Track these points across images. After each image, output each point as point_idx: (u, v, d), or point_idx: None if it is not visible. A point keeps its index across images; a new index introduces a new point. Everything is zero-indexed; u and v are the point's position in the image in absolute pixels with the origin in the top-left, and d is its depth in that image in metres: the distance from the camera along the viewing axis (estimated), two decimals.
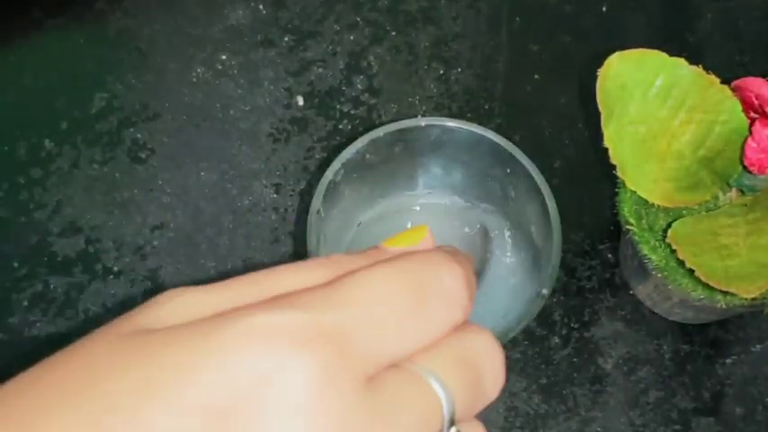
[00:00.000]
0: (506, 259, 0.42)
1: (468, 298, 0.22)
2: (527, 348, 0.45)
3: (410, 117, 0.40)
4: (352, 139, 0.40)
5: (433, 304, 0.21)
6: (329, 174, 0.38)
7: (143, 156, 0.49)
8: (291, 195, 0.49)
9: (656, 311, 0.45)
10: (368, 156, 0.40)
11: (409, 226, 0.43)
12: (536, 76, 0.52)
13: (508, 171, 0.40)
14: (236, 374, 0.19)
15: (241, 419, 0.18)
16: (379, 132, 0.39)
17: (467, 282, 0.22)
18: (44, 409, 0.19)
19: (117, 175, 0.49)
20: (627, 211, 0.40)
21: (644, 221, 0.41)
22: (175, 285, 0.21)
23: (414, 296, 0.21)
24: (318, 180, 0.39)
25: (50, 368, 0.20)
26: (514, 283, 0.41)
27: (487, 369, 0.22)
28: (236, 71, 0.52)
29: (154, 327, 0.20)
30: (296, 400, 0.18)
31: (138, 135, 0.50)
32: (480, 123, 0.40)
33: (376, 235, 0.42)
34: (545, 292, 0.36)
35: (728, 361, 0.45)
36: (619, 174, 0.39)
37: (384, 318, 0.20)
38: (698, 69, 0.39)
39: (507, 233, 0.42)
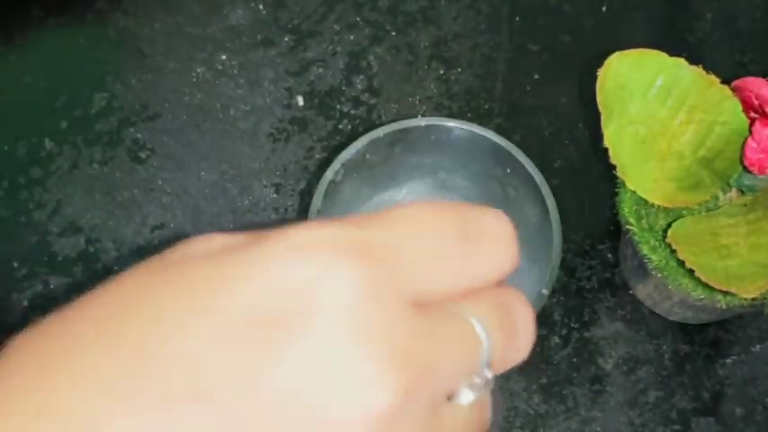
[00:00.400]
0: None
1: (516, 247, 0.22)
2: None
3: (410, 117, 0.40)
4: (352, 139, 0.40)
5: (480, 245, 0.21)
6: (329, 174, 0.38)
7: (143, 156, 0.49)
8: (291, 195, 0.49)
9: (656, 311, 0.45)
10: (368, 156, 0.40)
11: None
12: (536, 76, 0.52)
13: (508, 171, 0.40)
14: (278, 283, 0.18)
15: (284, 328, 0.18)
16: (378, 132, 0.39)
17: (513, 231, 0.22)
18: (82, 337, 0.18)
19: (117, 174, 0.49)
20: (627, 211, 0.40)
21: (644, 221, 0.41)
22: None
23: (461, 233, 0.21)
24: (318, 180, 0.39)
25: (92, 302, 0.20)
26: (513, 284, 0.41)
27: (522, 325, 0.22)
28: (236, 71, 0.52)
29: (190, 256, 0.20)
30: (340, 308, 0.18)
31: (139, 135, 0.50)
32: (480, 123, 0.40)
33: None
34: (545, 291, 0.36)
35: (728, 361, 0.45)
36: (619, 174, 0.39)
37: (432, 248, 0.20)
38: (698, 69, 0.39)
39: None
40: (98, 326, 0.19)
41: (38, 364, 0.18)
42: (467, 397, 0.21)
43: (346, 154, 0.39)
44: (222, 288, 0.18)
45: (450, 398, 0.21)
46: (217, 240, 0.21)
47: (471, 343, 0.20)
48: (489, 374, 0.21)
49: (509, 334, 0.22)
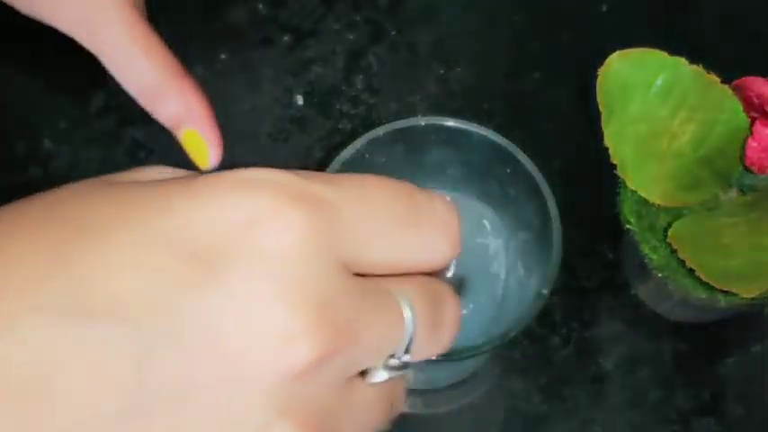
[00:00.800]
0: (501, 260, 0.42)
1: (458, 238, 0.22)
2: (527, 348, 0.45)
3: (410, 116, 0.40)
4: (351, 138, 0.40)
5: (424, 227, 0.21)
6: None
7: (142, 155, 0.49)
8: None
9: (656, 311, 0.45)
10: (367, 155, 0.40)
11: None
12: (536, 76, 0.52)
13: (508, 171, 0.40)
14: (216, 216, 0.18)
15: (213, 262, 0.17)
16: (378, 132, 0.39)
17: (458, 222, 0.22)
18: (10, 236, 0.18)
19: None
20: (627, 210, 0.40)
21: (644, 221, 0.41)
22: None
23: (407, 210, 0.21)
24: None
25: (25, 203, 0.19)
26: (513, 284, 0.41)
27: (448, 319, 0.22)
28: (235, 70, 0.52)
29: (137, 180, 0.20)
30: (275, 252, 0.17)
31: (138, 135, 0.50)
32: (480, 123, 0.40)
33: None
34: (545, 291, 0.36)
35: (728, 361, 0.45)
36: (619, 173, 0.39)
37: (376, 216, 0.20)
38: (698, 69, 0.39)
39: (504, 236, 0.42)
40: (24, 227, 0.18)
41: None
42: (380, 377, 0.20)
43: (346, 153, 0.39)
44: (157, 212, 0.18)
45: (363, 375, 0.20)
46: (168, 171, 0.21)
47: (396, 322, 0.20)
48: (407, 358, 0.21)
49: (434, 324, 0.21)
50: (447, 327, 0.22)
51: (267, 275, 0.17)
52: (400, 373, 0.21)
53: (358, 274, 0.20)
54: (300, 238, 0.18)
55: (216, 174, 0.19)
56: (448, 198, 0.22)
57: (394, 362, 0.20)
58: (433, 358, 0.34)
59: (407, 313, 0.20)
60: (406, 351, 0.20)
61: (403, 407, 0.23)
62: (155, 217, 0.18)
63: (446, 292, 0.22)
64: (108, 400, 0.17)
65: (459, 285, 0.40)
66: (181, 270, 0.17)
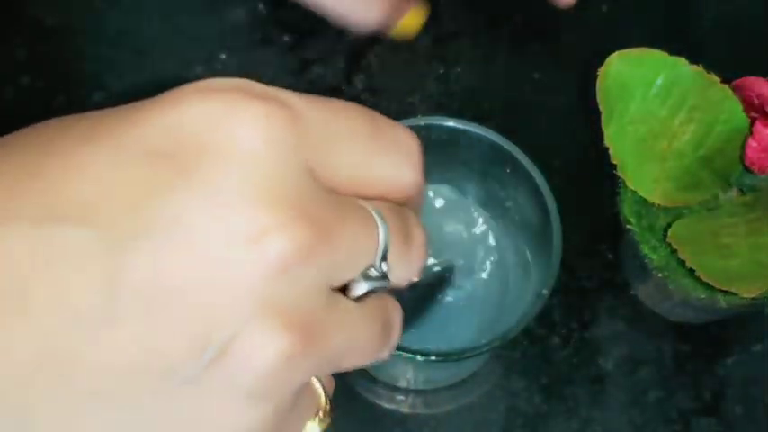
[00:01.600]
0: (501, 261, 0.42)
1: (420, 163, 0.22)
2: (527, 348, 0.45)
3: (410, 116, 0.40)
4: None
5: (387, 146, 0.21)
6: None
7: None
8: None
9: (656, 311, 0.45)
10: None
11: None
12: (536, 76, 0.52)
13: (508, 171, 0.40)
14: (180, 119, 0.18)
15: (182, 163, 0.17)
16: None
17: (420, 149, 0.22)
18: None
19: None
20: (627, 210, 0.40)
21: (644, 221, 0.41)
22: None
23: (371, 130, 0.21)
24: None
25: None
26: (513, 284, 0.41)
27: (417, 236, 0.22)
28: (235, 70, 0.52)
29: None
30: (243, 149, 0.17)
31: None
32: (480, 123, 0.40)
33: None
34: (545, 292, 0.36)
35: (728, 361, 0.45)
36: (619, 173, 0.39)
37: (341, 128, 0.20)
38: (698, 69, 0.39)
39: (504, 236, 0.42)
40: None
41: None
42: (361, 288, 0.20)
43: None
44: (124, 124, 0.18)
45: (344, 290, 0.20)
46: None
47: (369, 228, 0.20)
48: (385, 267, 0.20)
49: (405, 237, 0.21)
50: (417, 244, 0.22)
51: (237, 173, 0.17)
52: (381, 283, 0.20)
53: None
54: (266, 135, 0.18)
55: (178, 87, 0.19)
56: (407, 128, 0.22)
57: (373, 272, 0.20)
58: (433, 358, 0.34)
59: (378, 220, 0.20)
60: (383, 259, 0.20)
61: (397, 334, 0.22)
62: (121, 127, 0.18)
63: (410, 215, 0.22)
64: (82, 300, 0.16)
65: (448, 274, 0.40)
66: (150, 172, 0.17)
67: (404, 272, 0.21)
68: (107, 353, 0.17)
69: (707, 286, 0.37)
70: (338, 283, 0.20)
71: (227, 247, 0.17)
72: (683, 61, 0.39)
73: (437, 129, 0.40)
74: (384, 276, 0.20)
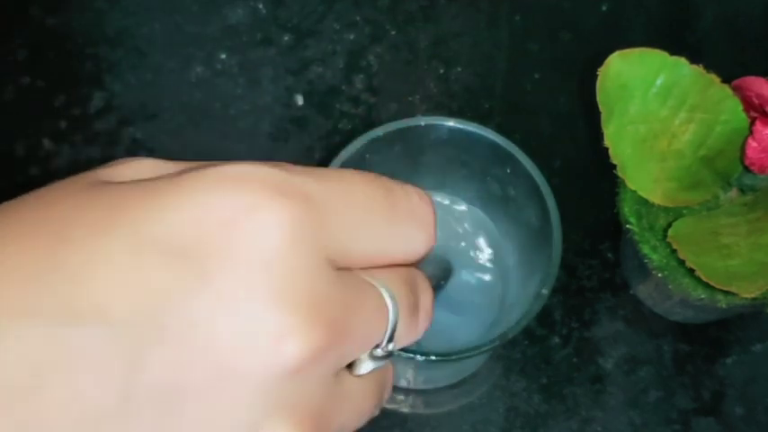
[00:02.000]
0: (501, 261, 0.42)
1: (434, 229, 0.22)
2: (527, 348, 0.45)
3: (410, 116, 0.40)
4: (351, 138, 0.40)
5: (403, 219, 0.21)
6: None
7: (142, 155, 0.49)
8: None
9: (656, 311, 0.45)
10: (367, 155, 0.40)
11: None
12: (536, 76, 0.52)
13: (508, 171, 0.40)
14: (201, 214, 0.18)
15: (199, 262, 0.17)
16: (378, 132, 0.39)
17: (434, 214, 0.22)
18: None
19: None
20: (627, 210, 0.40)
21: (644, 221, 0.40)
22: None
23: (387, 204, 0.21)
24: None
25: (11, 207, 0.19)
26: (513, 285, 0.41)
27: (423, 306, 0.22)
28: (235, 70, 0.52)
29: (116, 181, 0.20)
30: (263, 249, 0.17)
31: (138, 134, 0.50)
32: (480, 123, 0.40)
33: None
34: (545, 291, 0.36)
35: (728, 361, 0.45)
36: (619, 173, 0.39)
37: (359, 210, 0.20)
38: (698, 69, 0.39)
39: (504, 236, 0.42)
40: (9, 232, 0.18)
41: None
42: (366, 367, 0.21)
43: (345, 153, 0.39)
44: (141, 214, 0.18)
45: (349, 368, 0.21)
46: (146, 165, 0.20)
47: (380, 312, 0.20)
48: (391, 347, 0.21)
49: (412, 312, 0.22)
50: (424, 311, 0.23)
51: (254, 274, 0.17)
52: (385, 362, 0.21)
53: (340, 269, 0.20)
54: (284, 235, 0.18)
55: (197, 171, 0.19)
56: (423, 192, 0.23)
57: (378, 351, 0.21)
58: (433, 358, 0.34)
59: (389, 302, 0.20)
60: (390, 339, 0.21)
61: (390, 389, 0.23)
62: (139, 220, 0.18)
63: (420, 279, 0.23)
64: (98, 400, 0.17)
65: (447, 270, 0.40)
66: (167, 271, 0.17)
67: (409, 339, 0.22)
68: None
69: (707, 286, 0.37)
70: (344, 365, 0.20)
71: (245, 351, 0.17)
72: (683, 61, 0.39)
73: (437, 128, 0.40)
74: (389, 354, 0.21)
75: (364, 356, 0.20)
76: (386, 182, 0.21)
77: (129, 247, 0.17)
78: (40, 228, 0.18)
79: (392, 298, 0.21)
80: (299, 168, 0.20)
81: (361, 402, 0.21)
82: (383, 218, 0.21)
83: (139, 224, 0.17)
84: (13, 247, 0.17)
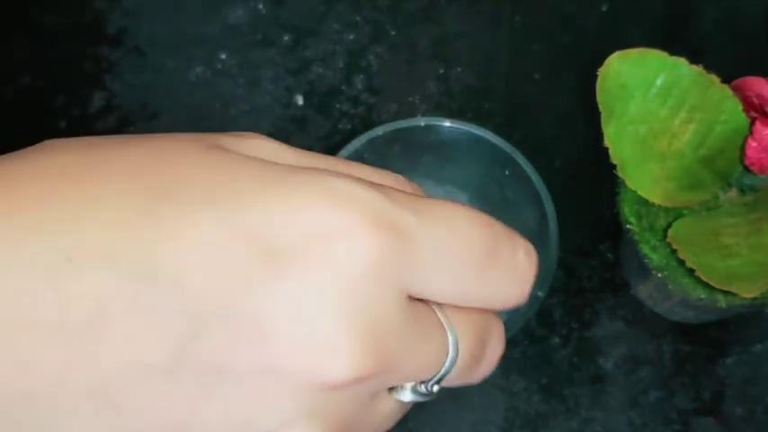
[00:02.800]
0: None
1: (530, 288, 0.22)
2: (527, 348, 0.45)
3: (410, 116, 0.40)
4: (351, 138, 0.40)
5: (500, 273, 0.21)
6: None
7: None
8: None
9: (656, 311, 0.45)
10: (366, 155, 0.40)
11: None
12: (536, 76, 0.52)
13: (507, 173, 0.40)
14: (300, 222, 0.18)
15: (284, 262, 0.18)
16: (378, 131, 0.39)
17: (535, 273, 0.22)
18: (105, 174, 0.18)
19: None
20: (627, 210, 0.40)
21: (644, 221, 0.40)
22: None
23: (488, 253, 0.20)
24: None
25: (127, 143, 0.19)
26: None
27: (488, 359, 0.22)
28: (235, 70, 0.52)
29: (235, 150, 0.20)
30: (345, 272, 0.18)
31: (138, 134, 0.50)
32: (480, 123, 0.40)
33: None
34: (540, 294, 0.36)
35: (728, 361, 0.45)
36: (619, 173, 0.39)
37: (453, 256, 0.20)
38: (698, 69, 0.39)
39: None
40: (117, 170, 0.18)
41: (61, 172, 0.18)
42: (406, 397, 0.21)
43: (345, 152, 0.39)
44: (245, 201, 0.18)
45: (390, 389, 0.21)
46: (268, 146, 0.21)
47: (439, 357, 0.20)
48: (436, 389, 0.21)
49: (470, 364, 0.21)
50: (484, 365, 0.22)
51: (331, 288, 0.18)
52: (425, 399, 0.21)
53: (416, 299, 0.20)
54: (373, 263, 0.18)
55: (311, 177, 0.19)
56: (530, 247, 0.22)
57: (423, 388, 0.21)
58: None
59: (451, 350, 0.20)
60: (438, 381, 0.21)
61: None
62: (242, 204, 0.18)
63: (496, 330, 0.22)
64: (149, 356, 0.17)
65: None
66: (251, 262, 0.18)
67: (460, 383, 0.22)
68: (156, 404, 0.18)
69: (707, 286, 0.37)
70: (386, 388, 0.21)
71: (298, 355, 0.18)
72: (683, 61, 0.39)
73: (436, 129, 0.40)
74: (431, 393, 0.21)
75: (408, 386, 0.21)
76: (494, 230, 0.21)
77: (223, 227, 0.18)
78: (147, 175, 0.18)
79: (455, 346, 0.20)
80: (404, 198, 0.20)
81: (387, 422, 0.21)
82: (477, 268, 0.20)
83: (241, 208, 0.18)
84: (115, 187, 0.18)
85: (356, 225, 0.18)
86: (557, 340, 0.45)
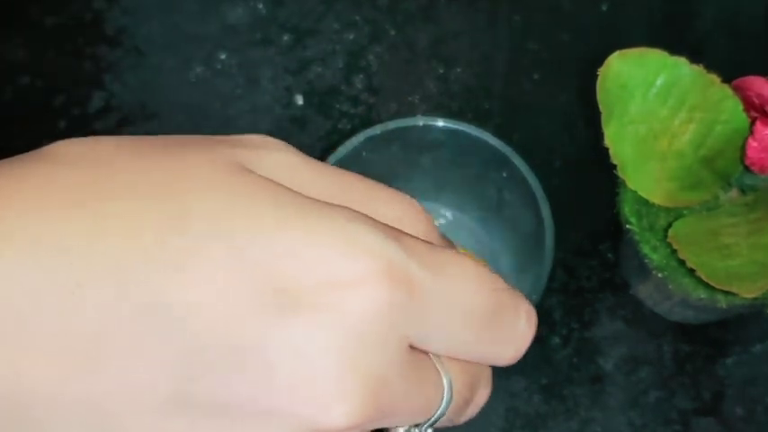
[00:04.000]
0: (497, 263, 0.42)
1: (526, 349, 0.22)
2: (527, 348, 0.45)
3: (409, 116, 0.40)
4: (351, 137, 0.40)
5: (502, 332, 0.21)
6: None
7: None
8: None
9: (656, 311, 0.45)
10: (364, 153, 0.40)
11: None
12: (536, 76, 0.52)
13: (504, 175, 0.39)
14: (313, 265, 0.18)
15: (290, 302, 0.18)
16: (376, 130, 0.39)
17: (532, 336, 0.22)
18: (118, 192, 0.18)
19: None
20: (627, 210, 0.40)
21: (644, 221, 0.40)
22: None
23: (492, 316, 0.21)
24: None
25: (137, 160, 0.19)
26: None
27: (474, 404, 0.23)
28: (234, 70, 0.52)
29: (254, 169, 0.19)
30: (350, 321, 0.18)
31: (137, 134, 0.50)
32: (480, 123, 0.40)
33: None
34: (534, 297, 0.36)
35: (728, 361, 0.45)
36: (619, 173, 0.39)
37: (460, 313, 0.20)
38: (699, 68, 0.39)
39: (499, 239, 0.42)
40: (133, 178, 0.18)
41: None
42: None
43: (342, 150, 0.39)
44: (261, 235, 0.18)
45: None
46: (287, 161, 0.20)
47: (433, 403, 0.21)
48: (429, 431, 0.21)
49: (461, 408, 0.22)
50: (471, 407, 0.23)
51: (335, 333, 0.18)
52: None
53: (416, 349, 0.20)
54: (382, 315, 0.18)
55: (328, 215, 0.19)
56: (532, 311, 0.22)
57: (415, 430, 0.21)
58: None
59: (446, 396, 0.21)
60: (431, 424, 0.21)
61: None
62: (255, 242, 0.18)
63: (486, 376, 0.23)
64: (146, 389, 0.17)
65: None
66: (258, 302, 0.17)
67: (448, 425, 0.22)
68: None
69: (707, 286, 0.37)
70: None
71: (298, 395, 0.18)
72: (683, 61, 0.39)
73: (435, 129, 0.40)
74: None
75: (402, 429, 0.21)
76: (500, 295, 0.21)
77: (235, 263, 0.17)
78: (161, 199, 0.18)
79: (450, 391, 0.21)
80: (419, 249, 0.20)
81: None
82: (479, 329, 0.21)
83: (254, 244, 0.18)
84: (127, 207, 0.18)
85: (369, 275, 0.18)
86: (557, 340, 0.45)
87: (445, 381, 0.21)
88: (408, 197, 0.23)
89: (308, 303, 0.18)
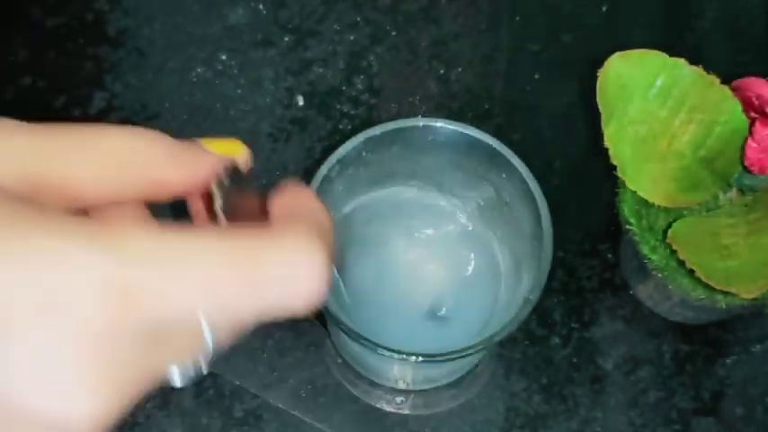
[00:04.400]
0: (495, 263, 0.42)
1: (319, 285, 0.20)
2: (527, 348, 0.45)
3: (410, 117, 0.40)
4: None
5: (266, 290, 0.20)
6: (324, 169, 0.38)
7: None
8: None
9: (656, 311, 0.45)
10: (364, 153, 0.40)
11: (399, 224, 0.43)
12: (536, 76, 0.52)
13: (504, 176, 0.39)
14: (29, 284, 0.18)
15: (12, 326, 0.18)
16: (376, 131, 0.39)
17: (325, 267, 0.20)
18: None
19: None
20: (627, 211, 0.40)
21: (644, 221, 0.41)
22: None
23: (246, 272, 0.20)
24: None
25: None
26: (506, 288, 0.41)
27: (279, 274, 0.21)
28: (235, 71, 0.52)
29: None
30: (77, 331, 0.18)
31: None
32: (480, 123, 0.40)
33: (368, 233, 0.42)
34: (532, 297, 0.36)
35: (728, 361, 0.45)
36: (619, 174, 0.39)
37: (196, 283, 0.20)
38: (698, 69, 0.39)
39: (497, 241, 0.42)
40: None
41: None
42: (177, 383, 0.21)
43: (342, 150, 0.39)
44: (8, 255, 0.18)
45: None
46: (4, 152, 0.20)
47: (195, 342, 0.20)
48: (204, 370, 0.21)
49: (237, 323, 0.21)
50: (278, 292, 0.21)
51: (63, 331, 0.18)
52: (199, 375, 0.21)
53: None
54: (103, 327, 0.19)
55: (42, 233, 0.19)
56: (312, 237, 0.20)
57: (191, 370, 0.21)
58: (420, 360, 0.34)
59: (207, 335, 0.20)
60: (204, 359, 0.21)
61: None
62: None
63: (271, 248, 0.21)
64: None
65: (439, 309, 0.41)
66: None
67: (263, 316, 0.21)
68: None
69: (707, 287, 0.37)
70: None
71: (38, 392, 0.18)
72: (682, 62, 0.39)
73: (435, 130, 0.40)
74: (201, 370, 0.21)
75: (176, 371, 0.21)
76: (253, 241, 0.20)
77: None
78: None
79: (210, 328, 0.20)
80: (135, 240, 0.19)
81: None
82: (233, 291, 0.20)
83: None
84: None
85: (84, 294, 0.18)
86: (557, 340, 0.45)
87: (202, 318, 0.20)
88: (150, 130, 0.23)
89: (26, 324, 0.18)
